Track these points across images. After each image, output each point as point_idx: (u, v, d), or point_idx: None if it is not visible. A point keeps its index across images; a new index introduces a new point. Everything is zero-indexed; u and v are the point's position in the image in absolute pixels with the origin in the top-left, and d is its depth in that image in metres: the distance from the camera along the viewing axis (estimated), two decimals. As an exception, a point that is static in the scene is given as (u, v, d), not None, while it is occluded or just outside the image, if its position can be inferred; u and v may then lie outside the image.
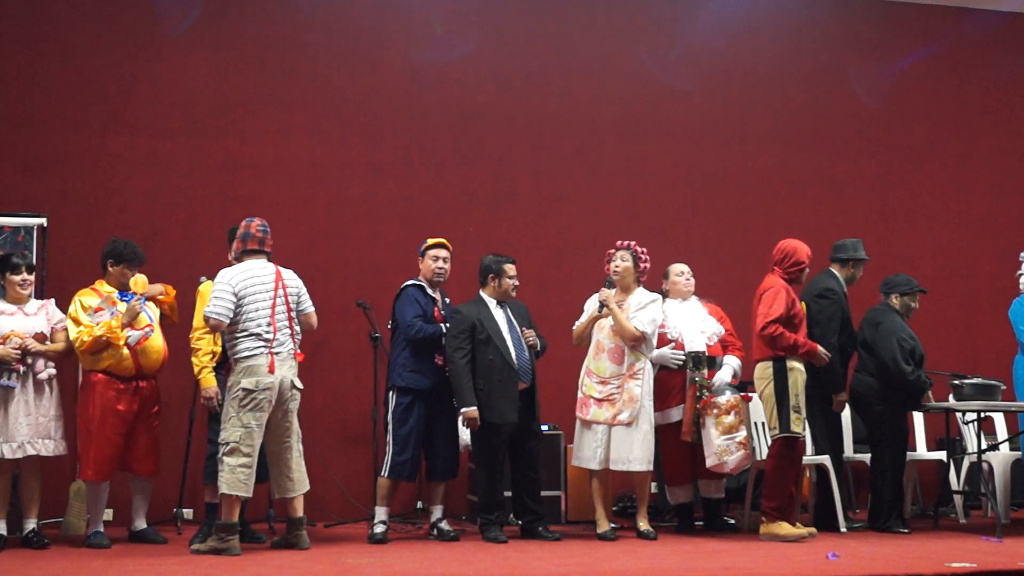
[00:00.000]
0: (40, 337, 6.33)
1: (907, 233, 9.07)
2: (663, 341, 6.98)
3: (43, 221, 7.24)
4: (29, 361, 6.26)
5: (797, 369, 6.65)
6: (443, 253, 6.86)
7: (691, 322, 7.08)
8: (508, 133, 8.62)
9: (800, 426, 6.62)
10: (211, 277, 6.69)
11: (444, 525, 6.73)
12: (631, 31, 8.91)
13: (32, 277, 6.45)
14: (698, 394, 6.80)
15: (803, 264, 6.83)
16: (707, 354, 6.95)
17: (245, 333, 6.11)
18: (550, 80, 8.72)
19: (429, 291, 6.79)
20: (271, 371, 6.09)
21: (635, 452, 6.69)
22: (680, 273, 7.22)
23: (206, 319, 6.14)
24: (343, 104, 8.34)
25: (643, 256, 6.91)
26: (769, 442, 6.74)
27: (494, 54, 8.65)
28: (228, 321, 6.10)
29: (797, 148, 9.14)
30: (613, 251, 6.95)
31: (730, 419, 6.69)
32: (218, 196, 8.00)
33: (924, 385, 7.08)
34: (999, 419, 8.02)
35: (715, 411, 6.69)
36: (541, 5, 8.82)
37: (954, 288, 9.13)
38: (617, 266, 6.88)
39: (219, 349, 6.50)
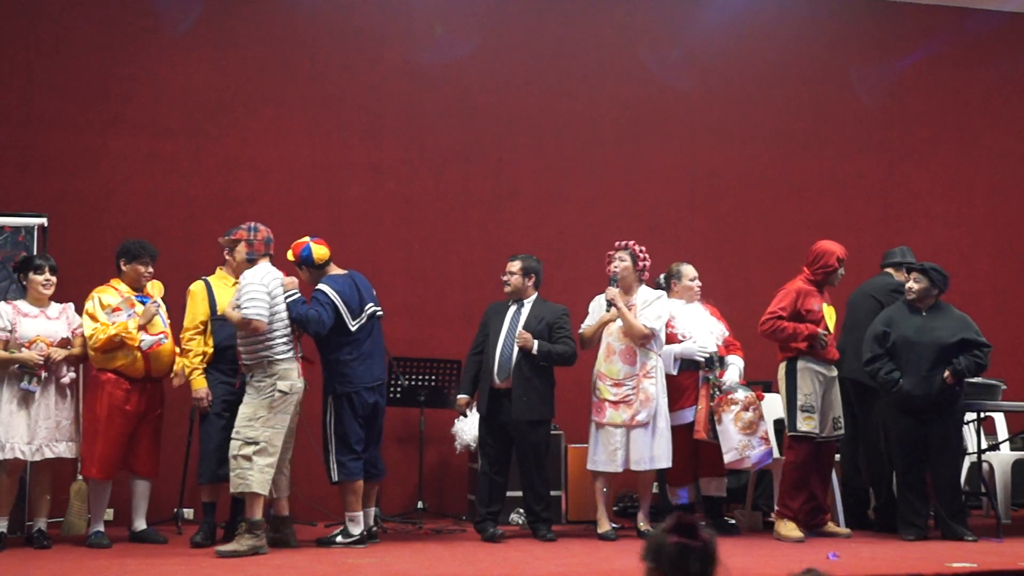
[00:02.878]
0: (64, 343, 6.38)
1: (907, 233, 9.05)
2: (672, 340, 6.99)
3: (43, 221, 7.23)
4: (52, 367, 6.30)
5: (809, 369, 6.68)
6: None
7: (699, 322, 7.10)
8: (508, 133, 8.61)
9: (810, 425, 6.62)
10: (207, 277, 6.71)
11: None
12: (631, 31, 8.91)
13: (55, 279, 6.47)
14: (712, 392, 6.82)
15: (831, 267, 6.81)
16: (718, 354, 7.00)
17: (278, 335, 6.13)
18: (550, 80, 8.72)
19: None
20: (300, 375, 6.22)
21: (656, 450, 6.72)
22: (694, 279, 7.22)
23: (247, 322, 6.04)
24: (343, 104, 8.34)
25: (642, 255, 6.92)
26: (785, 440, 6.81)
27: (494, 54, 8.65)
28: (268, 322, 6.09)
29: (797, 148, 9.14)
30: (612, 252, 6.97)
31: (749, 415, 6.71)
32: (218, 196, 8.00)
33: (882, 380, 6.58)
34: (999, 419, 8.02)
35: (733, 408, 6.70)
36: (541, 5, 8.82)
37: (954, 288, 9.08)
38: (616, 267, 6.89)
39: (210, 350, 6.50)
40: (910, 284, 6.73)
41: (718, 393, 6.81)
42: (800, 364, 6.70)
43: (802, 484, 6.69)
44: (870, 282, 7.40)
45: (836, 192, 9.16)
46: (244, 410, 6.10)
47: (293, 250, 6.48)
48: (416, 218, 8.35)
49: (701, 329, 7.06)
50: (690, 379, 6.96)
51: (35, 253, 6.93)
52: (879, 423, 7.08)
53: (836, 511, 7.10)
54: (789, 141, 9.12)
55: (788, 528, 6.61)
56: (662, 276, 7.29)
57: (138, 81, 7.98)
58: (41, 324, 6.37)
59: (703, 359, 6.96)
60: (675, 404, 6.94)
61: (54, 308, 6.48)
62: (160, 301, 6.60)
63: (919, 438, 6.59)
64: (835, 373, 6.85)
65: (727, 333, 7.18)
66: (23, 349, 6.25)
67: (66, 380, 6.37)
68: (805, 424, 6.63)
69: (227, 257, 6.63)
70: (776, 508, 6.80)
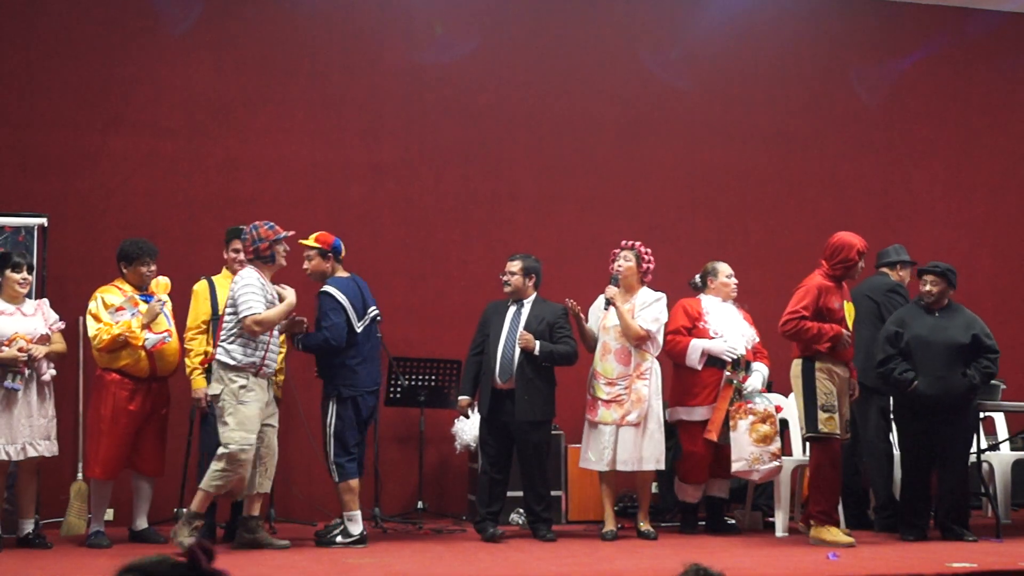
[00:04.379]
0: (43, 339, 6.34)
1: (907, 233, 9.05)
2: (703, 335, 6.95)
3: (43, 221, 7.24)
4: (35, 364, 6.27)
5: (827, 369, 6.42)
6: (305, 252, 6.65)
7: (732, 323, 7.06)
8: (508, 133, 8.61)
9: (832, 426, 6.37)
10: (210, 276, 6.72)
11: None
12: (631, 31, 8.91)
13: (32, 277, 6.45)
14: (733, 396, 6.78)
15: (852, 261, 6.52)
16: (745, 358, 6.96)
17: None
18: (550, 80, 8.72)
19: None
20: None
21: (644, 452, 6.70)
22: (730, 275, 7.19)
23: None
24: (343, 104, 8.34)
25: (646, 256, 6.91)
26: (793, 441, 6.78)
27: (494, 54, 8.65)
28: None
29: (797, 148, 9.13)
30: (617, 251, 6.96)
31: (765, 428, 6.65)
32: (218, 196, 8.00)
33: (895, 380, 6.49)
34: (999, 419, 8.01)
35: (750, 417, 6.67)
36: (541, 5, 8.82)
37: (954, 288, 9.12)
38: (620, 266, 6.88)
39: (211, 350, 6.50)
40: (928, 288, 6.63)
41: (738, 398, 6.78)
42: (818, 364, 6.43)
43: (836, 485, 6.48)
44: (866, 282, 7.38)
45: (836, 192, 9.16)
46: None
47: (324, 238, 6.50)
48: (416, 218, 8.35)
49: (733, 330, 7.02)
50: (713, 377, 6.91)
51: (34, 254, 6.93)
52: (878, 424, 7.09)
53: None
54: (789, 141, 9.12)
55: (834, 534, 6.33)
56: (698, 276, 7.27)
57: (138, 81, 7.98)
58: (18, 321, 6.31)
59: (730, 359, 6.92)
60: (693, 399, 6.91)
61: (29, 305, 6.44)
62: (166, 298, 6.59)
63: (928, 439, 6.53)
64: (848, 374, 6.65)
65: (757, 339, 7.14)
66: (3, 348, 6.20)
67: (47, 377, 6.33)
68: (826, 425, 6.37)
69: (279, 260, 6.30)
70: (812, 513, 6.46)
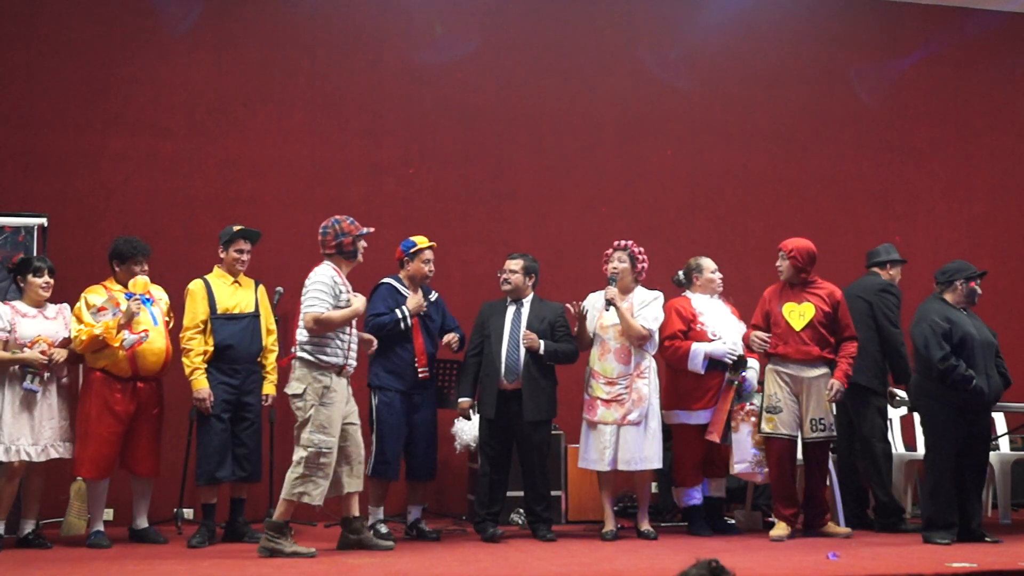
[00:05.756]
0: (64, 343, 6.39)
1: (907, 233, 9.06)
2: (701, 337, 6.91)
3: (43, 221, 7.23)
4: (54, 367, 6.32)
5: (773, 371, 6.71)
6: (433, 255, 6.96)
7: (727, 322, 7.03)
8: (508, 133, 8.61)
9: (772, 426, 6.63)
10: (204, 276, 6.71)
11: (424, 526, 6.79)
12: (631, 31, 8.91)
13: (52, 281, 6.48)
14: (734, 398, 6.79)
15: (778, 265, 6.90)
16: (744, 356, 6.96)
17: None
18: (550, 80, 8.72)
19: (403, 290, 6.84)
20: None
21: (647, 451, 6.69)
22: (715, 271, 7.15)
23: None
24: (343, 104, 8.34)
25: (640, 256, 6.89)
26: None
27: (494, 54, 8.65)
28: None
29: (797, 148, 9.13)
30: (610, 251, 6.94)
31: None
32: (218, 196, 8.00)
33: (959, 378, 6.28)
34: (999, 419, 8.02)
35: (753, 419, 6.69)
36: (541, 5, 8.82)
37: (954, 288, 9.10)
38: (615, 267, 6.86)
39: (211, 348, 6.49)
40: (979, 290, 6.65)
41: (739, 400, 6.78)
42: (768, 367, 6.75)
43: (782, 484, 6.65)
44: (858, 283, 7.37)
45: (836, 192, 9.16)
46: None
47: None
48: (416, 218, 8.34)
49: (729, 329, 6.99)
50: (715, 380, 6.88)
51: (34, 254, 6.93)
52: (876, 423, 7.09)
53: (836, 511, 7.10)
54: (789, 141, 9.12)
55: (775, 529, 6.65)
56: (681, 272, 7.24)
57: (138, 81, 7.98)
58: (40, 324, 6.39)
59: (732, 360, 6.89)
60: (695, 403, 6.86)
61: (51, 309, 6.50)
62: (164, 296, 6.59)
63: (962, 436, 6.45)
64: (814, 374, 6.66)
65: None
66: (25, 349, 6.26)
67: (67, 380, 6.40)
68: (766, 425, 6.65)
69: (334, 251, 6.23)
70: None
